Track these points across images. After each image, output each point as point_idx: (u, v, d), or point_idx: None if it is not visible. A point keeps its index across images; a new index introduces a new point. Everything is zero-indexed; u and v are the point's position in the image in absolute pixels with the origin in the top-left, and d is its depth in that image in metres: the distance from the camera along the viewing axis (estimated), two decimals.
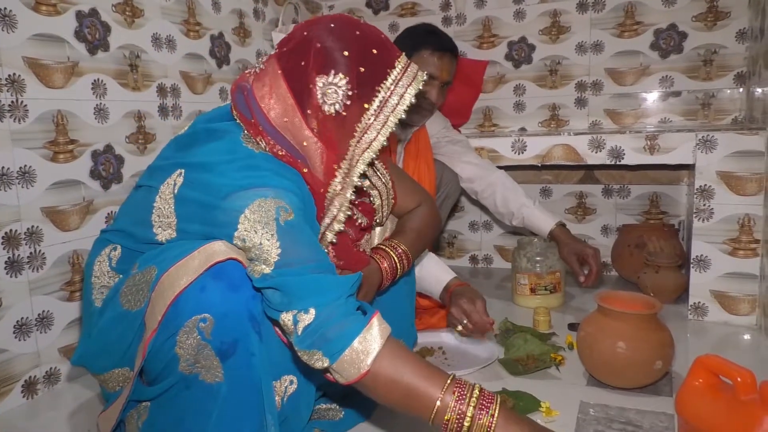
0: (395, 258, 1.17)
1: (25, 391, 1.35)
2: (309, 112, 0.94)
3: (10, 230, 1.31)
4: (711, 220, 1.69)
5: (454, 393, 0.85)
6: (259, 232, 0.85)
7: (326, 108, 0.93)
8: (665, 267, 1.84)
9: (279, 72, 0.95)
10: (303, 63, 0.94)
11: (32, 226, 1.36)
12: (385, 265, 1.15)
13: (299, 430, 1.04)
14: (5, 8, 1.29)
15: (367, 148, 0.95)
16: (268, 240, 0.85)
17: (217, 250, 0.88)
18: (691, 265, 1.73)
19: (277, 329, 0.96)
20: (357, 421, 1.18)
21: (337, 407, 1.17)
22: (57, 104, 1.40)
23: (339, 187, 0.97)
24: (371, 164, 1.11)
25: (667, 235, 2.00)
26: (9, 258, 1.31)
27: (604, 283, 2.13)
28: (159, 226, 0.96)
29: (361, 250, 1.14)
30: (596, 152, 1.85)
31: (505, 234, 2.42)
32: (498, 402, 0.86)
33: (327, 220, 0.99)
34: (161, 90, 1.69)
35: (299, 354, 0.86)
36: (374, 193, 1.14)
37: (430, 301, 1.67)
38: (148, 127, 1.65)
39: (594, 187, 2.27)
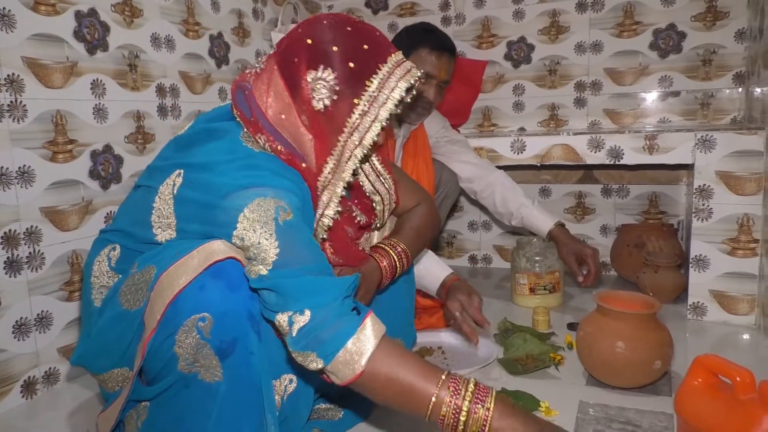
0: (394, 257, 1.17)
1: (25, 391, 1.35)
2: (302, 107, 0.95)
3: (9, 230, 1.31)
4: (710, 220, 1.70)
5: (449, 388, 0.84)
6: (257, 231, 0.85)
7: (314, 103, 0.94)
8: (664, 267, 1.84)
9: (276, 70, 0.96)
10: (296, 59, 0.95)
11: (31, 226, 1.36)
12: (385, 263, 1.15)
13: (299, 429, 1.04)
14: (4, 8, 1.29)
15: (359, 143, 0.95)
16: (267, 239, 0.85)
17: (216, 249, 0.88)
18: (690, 265, 1.73)
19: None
20: (356, 421, 1.18)
21: (337, 407, 1.17)
22: (56, 104, 1.40)
23: (327, 181, 0.97)
24: (373, 168, 1.11)
25: (666, 235, 2.00)
26: (8, 258, 1.31)
27: (603, 282, 2.13)
28: (159, 227, 0.96)
29: (360, 248, 1.14)
30: (595, 152, 1.85)
31: (504, 234, 2.42)
32: (493, 395, 0.85)
33: (317, 215, 0.99)
34: (160, 90, 1.69)
35: (294, 355, 0.86)
36: (377, 199, 1.14)
37: (431, 300, 1.67)
38: (147, 127, 1.65)
39: (593, 187, 2.27)
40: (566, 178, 2.30)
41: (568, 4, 2.20)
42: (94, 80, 1.49)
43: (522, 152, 1.96)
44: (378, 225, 1.20)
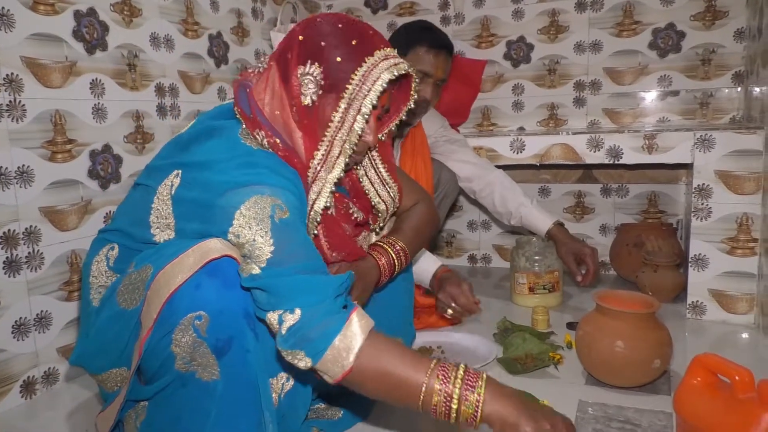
0: (393, 255, 1.17)
1: (24, 391, 1.35)
2: (292, 102, 0.95)
3: (9, 230, 1.31)
4: (709, 219, 1.70)
5: (438, 376, 0.84)
6: (253, 228, 0.86)
7: (302, 98, 0.95)
8: (663, 266, 1.84)
9: (274, 67, 0.98)
10: (289, 56, 0.96)
11: (30, 226, 1.35)
12: (383, 261, 1.15)
13: (296, 427, 1.04)
14: (3, 8, 1.28)
15: (346, 138, 0.95)
16: (262, 237, 0.85)
17: (212, 247, 0.88)
18: (690, 264, 1.74)
19: None
20: (355, 420, 1.18)
21: (336, 406, 1.17)
22: (55, 104, 1.40)
23: (315, 175, 0.97)
24: (380, 175, 1.12)
25: (666, 235, 2.00)
26: (7, 258, 1.31)
27: (602, 282, 2.14)
28: (157, 227, 0.96)
29: (359, 246, 1.14)
30: (595, 151, 1.85)
31: (503, 233, 2.42)
32: (484, 379, 0.85)
33: (307, 208, 0.99)
34: (159, 90, 1.69)
35: (283, 354, 0.86)
36: (382, 207, 1.14)
37: (430, 300, 1.67)
38: (146, 126, 1.65)
39: (592, 187, 2.27)
40: (565, 178, 2.30)
41: (568, 3, 2.20)
42: (93, 80, 1.49)
43: (521, 152, 1.96)
44: (377, 229, 1.20)
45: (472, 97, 2.36)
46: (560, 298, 1.91)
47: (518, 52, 2.30)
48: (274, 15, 2.20)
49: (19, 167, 1.32)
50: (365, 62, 0.94)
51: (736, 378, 0.92)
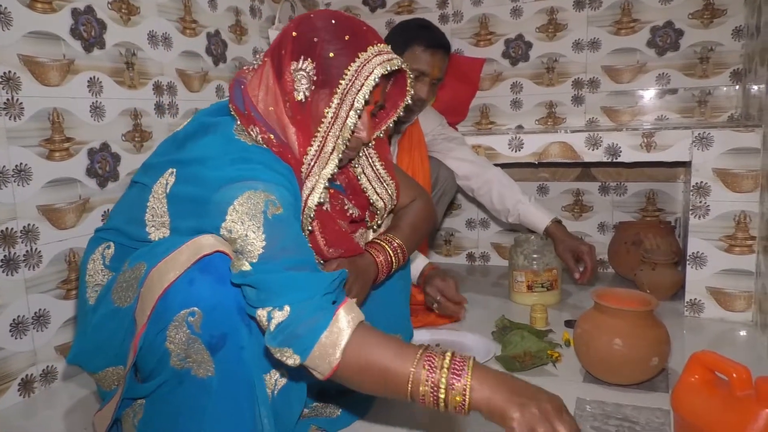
0: (390, 252, 1.17)
1: (22, 390, 1.35)
2: (285, 98, 0.96)
3: (6, 228, 1.31)
4: (707, 217, 1.70)
5: (425, 365, 0.82)
6: (245, 223, 0.85)
7: (295, 94, 0.95)
8: (662, 264, 1.84)
9: (268, 63, 0.98)
10: (283, 52, 0.96)
11: (28, 225, 1.35)
12: (381, 258, 1.15)
13: (292, 424, 1.04)
14: (0, 5, 1.28)
15: (339, 134, 0.95)
16: (254, 232, 0.85)
17: (205, 243, 0.88)
18: (688, 262, 1.74)
19: None
20: (354, 419, 1.18)
21: (334, 405, 1.17)
22: (53, 102, 1.40)
23: (309, 170, 0.97)
24: (377, 173, 1.12)
25: (664, 233, 2.01)
26: (5, 256, 1.30)
27: (600, 280, 2.14)
28: (152, 225, 0.96)
29: (356, 241, 1.14)
30: (593, 150, 1.85)
31: (502, 231, 2.42)
32: (470, 365, 0.83)
33: (301, 204, 0.99)
34: (157, 88, 1.69)
35: (272, 351, 0.85)
36: (380, 205, 1.14)
37: None
38: (144, 125, 1.65)
39: (591, 185, 2.27)
40: (564, 176, 2.30)
41: (566, 1, 2.20)
42: (90, 78, 1.49)
43: (520, 150, 1.96)
44: (375, 226, 1.20)
45: (470, 95, 2.36)
46: (558, 296, 1.91)
47: (517, 50, 2.30)
48: (272, 13, 2.20)
49: (16, 165, 1.32)
50: (358, 58, 0.94)
51: (734, 375, 0.92)
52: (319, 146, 0.96)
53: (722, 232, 1.69)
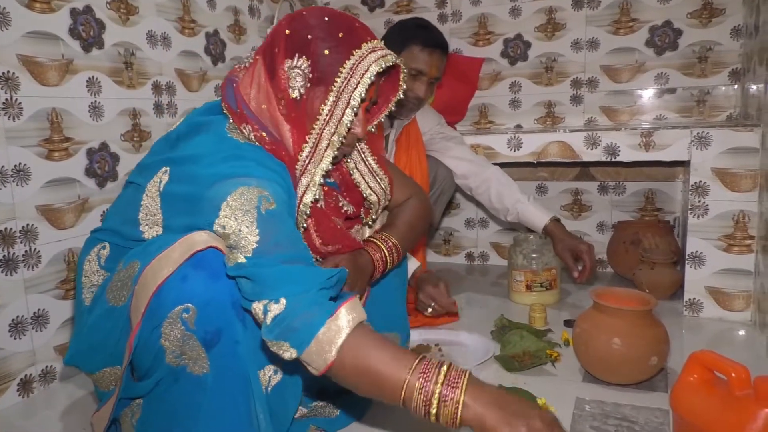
0: (386, 251, 1.17)
1: (21, 390, 1.35)
2: (280, 96, 0.96)
3: (5, 228, 1.31)
4: (706, 217, 1.70)
5: (420, 375, 0.82)
6: (239, 219, 0.85)
7: (290, 91, 0.95)
8: (660, 263, 1.84)
9: (260, 61, 0.98)
10: (276, 50, 0.96)
11: (27, 225, 1.35)
12: (377, 256, 1.15)
13: (287, 421, 1.04)
14: None
15: (334, 131, 0.95)
16: (248, 227, 0.85)
17: (198, 239, 0.88)
18: (686, 262, 1.74)
19: None
20: (353, 419, 1.18)
21: (333, 404, 1.17)
22: (52, 102, 1.40)
23: (303, 168, 0.97)
24: (370, 168, 1.12)
25: (663, 232, 2.01)
26: (4, 256, 1.30)
27: (599, 279, 2.14)
28: (146, 224, 0.96)
29: (352, 237, 1.14)
30: (592, 149, 1.86)
31: (501, 231, 2.42)
32: (466, 380, 0.82)
33: (296, 201, 0.99)
34: (156, 87, 1.69)
35: (268, 345, 0.84)
36: (373, 199, 1.14)
37: None
38: (143, 124, 1.65)
39: (589, 184, 2.27)
40: (563, 175, 2.30)
41: (565, 1, 2.20)
42: (89, 78, 1.49)
43: (518, 149, 1.96)
44: (370, 222, 1.20)
45: (469, 94, 2.36)
46: (558, 296, 1.91)
47: (515, 49, 2.30)
48: (271, 13, 2.19)
49: (15, 165, 1.32)
50: (353, 55, 0.95)
51: (733, 375, 0.92)
52: (314, 143, 0.96)
53: (721, 232, 1.69)
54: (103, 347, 0.97)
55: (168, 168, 0.95)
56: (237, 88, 0.98)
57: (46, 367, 1.40)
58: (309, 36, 0.95)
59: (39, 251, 1.38)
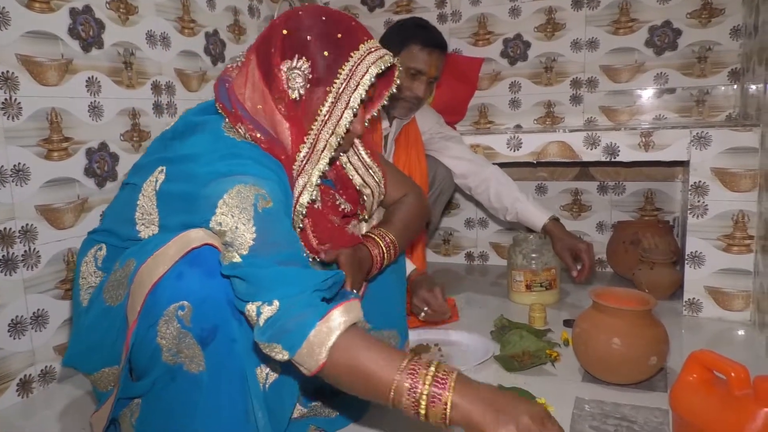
0: (383, 247, 1.17)
1: (20, 390, 1.35)
2: (278, 96, 0.96)
3: (5, 228, 1.30)
4: (705, 217, 1.70)
5: (409, 375, 0.81)
6: (235, 216, 0.85)
7: (290, 92, 0.95)
8: (660, 263, 1.84)
9: (254, 61, 0.98)
10: (272, 50, 0.96)
11: (27, 224, 1.35)
12: (376, 252, 1.15)
13: (285, 420, 1.03)
14: None
15: (333, 132, 0.96)
16: (244, 225, 0.85)
17: (193, 237, 0.88)
18: (686, 262, 1.74)
19: None
20: (352, 419, 1.18)
21: (333, 404, 1.17)
22: (51, 102, 1.40)
23: (301, 168, 0.97)
24: (363, 161, 1.12)
25: (662, 232, 2.01)
26: (3, 256, 1.30)
27: (598, 279, 2.14)
28: (142, 224, 0.96)
29: (350, 233, 1.14)
30: (591, 149, 1.86)
31: (500, 231, 2.42)
32: (454, 379, 0.81)
33: (293, 201, 0.99)
34: (156, 87, 1.69)
35: (261, 347, 0.84)
36: (367, 192, 1.14)
37: None
38: (142, 124, 1.65)
39: (589, 184, 2.27)
40: (562, 175, 2.31)
41: (564, 1, 2.20)
42: (89, 78, 1.49)
43: (518, 149, 1.96)
44: (366, 217, 1.20)
45: (469, 94, 2.36)
46: (557, 296, 1.91)
47: (515, 49, 2.30)
48: (270, 12, 2.19)
49: (14, 165, 1.32)
50: (351, 56, 0.95)
51: (732, 375, 0.92)
52: (312, 143, 0.96)
53: (720, 232, 1.69)
54: (100, 347, 0.97)
55: (164, 167, 0.95)
56: (231, 88, 0.98)
57: (46, 367, 1.40)
58: (308, 37, 0.95)
59: (38, 251, 1.38)
